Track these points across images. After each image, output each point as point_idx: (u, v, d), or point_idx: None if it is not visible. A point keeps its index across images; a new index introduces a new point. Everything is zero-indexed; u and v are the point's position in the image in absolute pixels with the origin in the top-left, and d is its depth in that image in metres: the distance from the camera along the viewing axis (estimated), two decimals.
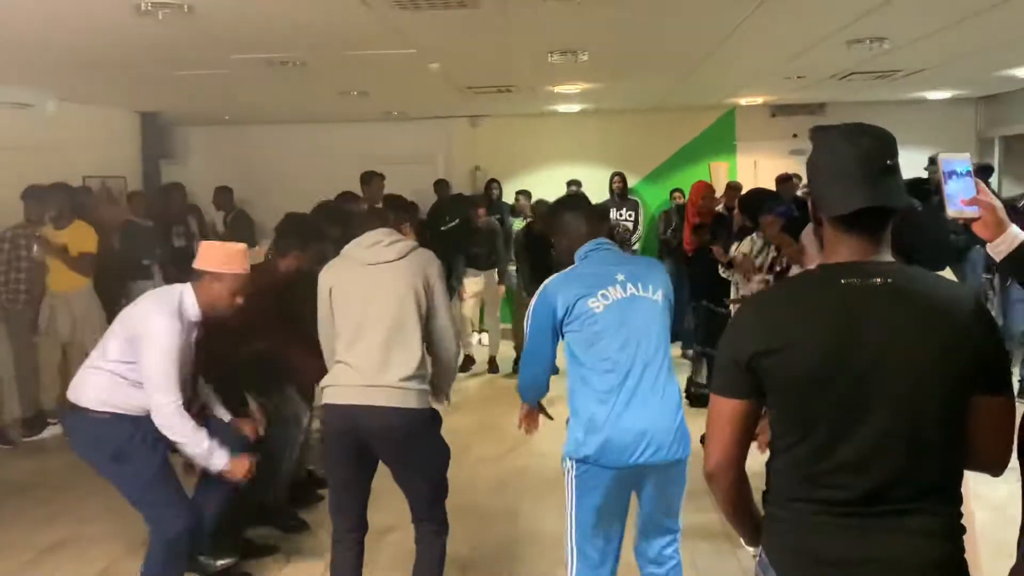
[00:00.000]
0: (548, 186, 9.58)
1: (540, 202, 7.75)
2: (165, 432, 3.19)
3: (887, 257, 1.62)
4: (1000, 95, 9.40)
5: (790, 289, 1.75)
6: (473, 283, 7.89)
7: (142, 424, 3.21)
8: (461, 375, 7.54)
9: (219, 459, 3.23)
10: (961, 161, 1.76)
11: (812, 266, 1.73)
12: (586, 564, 2.85)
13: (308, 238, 4.02)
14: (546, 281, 2.91)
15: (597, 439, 2.71)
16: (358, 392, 2.96)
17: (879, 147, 1.58)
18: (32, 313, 6.31)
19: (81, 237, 6.38)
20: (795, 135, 10.02)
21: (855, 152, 1.56)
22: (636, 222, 9.12)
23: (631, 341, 2.75)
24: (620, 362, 2.74)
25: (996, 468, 1.64)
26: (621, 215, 9.08)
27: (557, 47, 5.78)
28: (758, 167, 9.90)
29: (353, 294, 3.05)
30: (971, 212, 1.72)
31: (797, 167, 9.27)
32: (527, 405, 3.13)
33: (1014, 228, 1.72)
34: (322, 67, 6.15)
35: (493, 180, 9.63)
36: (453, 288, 7.41)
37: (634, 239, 8.82)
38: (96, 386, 3.24)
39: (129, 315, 3.28)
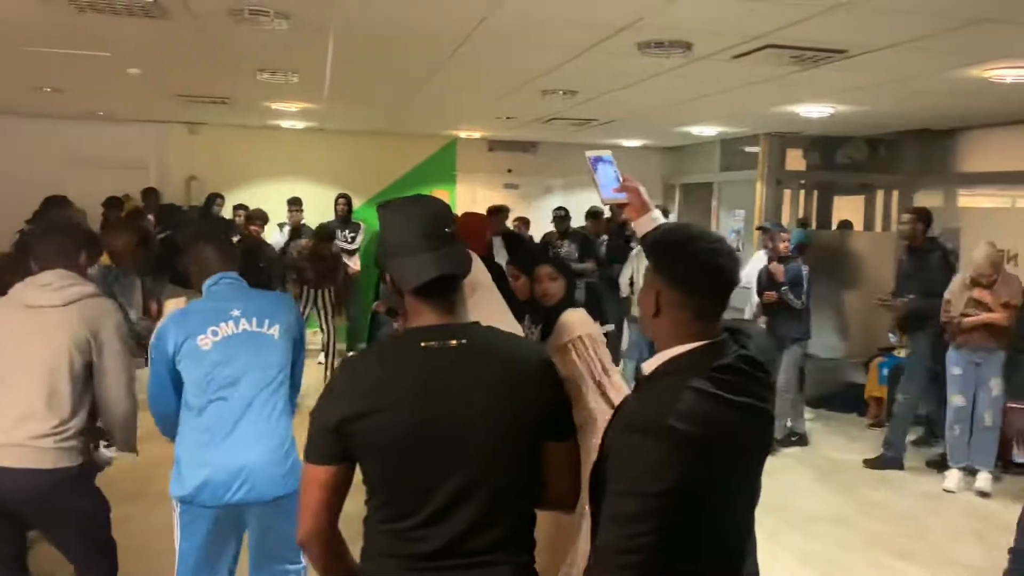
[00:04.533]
0: (270, 202, 9.38)
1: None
2: None
3: (463, 318, 1.73)
4: (681, 147, 10.68)
5: (378, 353, 1.81)
6: (174, 302, 7.48)
7: None
8: None
9: None
10: (605, 154, 2.05)
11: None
12: None
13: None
14: (164, 318, 2.88)
15: (196, 478, 2.67)
16: None
17: (436, 219, 1.71)
18: None
19: None
20: (510, 170, 10.73)
21: (415, 227, 1.68)
22: (357, 243, 9.23)
23: (237, 377, 2.72)
24: (223, 399, 2.71)
25: (568, 506, 1.80)
26: (344, 236, 9.16)
27: (266, 66, 5.76)
28: (476, 197, 10.42)
29: (4, 338, 2.79)
30: (621, 198, 2.00)
31: (511, 200, 9.92)
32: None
33: (656, 212, 1.97)
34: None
35: (217, 195, 9.21)
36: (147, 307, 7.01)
37: (354, 261, 8.91)
38: None
39: None
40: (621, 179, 2.03)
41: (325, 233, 8.20)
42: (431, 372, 1.64)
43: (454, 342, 1.66)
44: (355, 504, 1.75)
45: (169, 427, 2.87)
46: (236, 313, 2.77)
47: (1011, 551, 2.17)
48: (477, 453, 1.63)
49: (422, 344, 1.66)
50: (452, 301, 1.71)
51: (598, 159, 2.06)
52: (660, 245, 1.74)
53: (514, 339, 1.79)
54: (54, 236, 3.00)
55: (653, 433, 1.53)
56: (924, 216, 6.06)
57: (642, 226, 1.94)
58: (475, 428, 1.63)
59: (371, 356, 1.80)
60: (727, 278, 1.66)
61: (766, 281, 6.57)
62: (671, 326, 1.66)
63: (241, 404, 2.71)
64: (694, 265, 1.64)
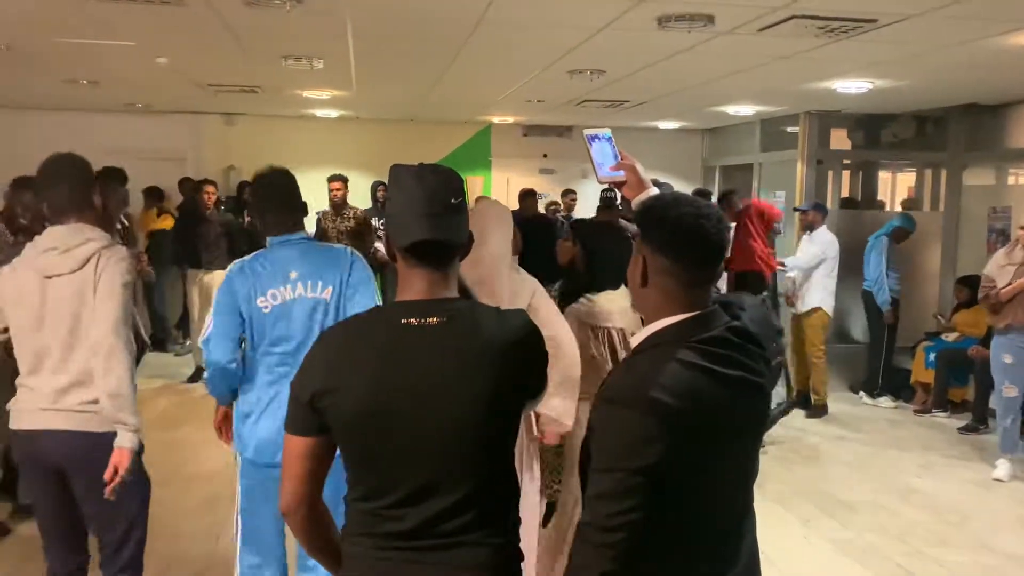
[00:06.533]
0: (307, 190, 9.44)
1: None
2: None
3: (452, 293, 1.66)
4: (720, 128, 10.44)
5: (355, 327, 1.71)
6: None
7: None
8: (190, 385, 7.27)
9: None
10: (603, 132, 1.98)
11: None
12: (249, 562, 2.92)
13: None
14: (231, 266, 2.85)
15: (252, 437, 2.77)
16: (38, 416, 2.69)
17: (443, 186, 1.63)
18: None
19: None
20: (545, 155, 10.61)
21: (421, 190, 1.61)
22: None
23: (292, 343, 2.74)
24: (282, 363, 2.75)
25: None
26: (383, 224, 9.17)
27: (289, 52, 5.75)
28: (510, 184, 10.33)
29: (27, 313, 2.71)
30: (618, 176, 1.94)
31: (547, 185, 9.82)
32: (222, 407, 2.98)
33: (653, 189, 1.91)
34: (31, 52, 5.74)
35: (245, 182, 9.32)
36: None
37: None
38: None
39: None
40: (620, 157, 1.96)
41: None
42: (405, 350, 1.58)
43: (434, 320, 1.59)
44: None
45: (219, 382, 2.84)
46: (294, 276, 2.77)
47: None
48: (451, 438, 1.57)
49: (402, 321, 1.59)
50: (444, 272, 1.64)
51: (594, 137, 1.99)
52: (646, 212, 1.67)
53: (498, 315, 1.69)
54: (61, 183, 2.76)
55: (634, 406, 1.47)
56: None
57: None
58: (449, 413, 1.56)
59: (350, 329, 1.71)
60: (712, 242, 1.58)
61: None
62: (658, 296, 1.61)
63: (290, 369, 2.68)
64: (678, 229, 1.57)
